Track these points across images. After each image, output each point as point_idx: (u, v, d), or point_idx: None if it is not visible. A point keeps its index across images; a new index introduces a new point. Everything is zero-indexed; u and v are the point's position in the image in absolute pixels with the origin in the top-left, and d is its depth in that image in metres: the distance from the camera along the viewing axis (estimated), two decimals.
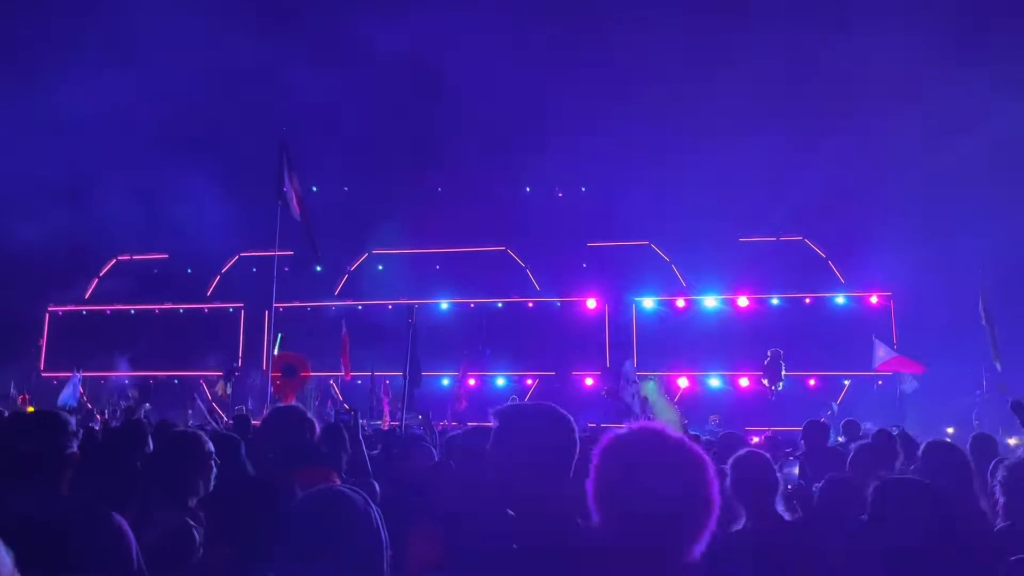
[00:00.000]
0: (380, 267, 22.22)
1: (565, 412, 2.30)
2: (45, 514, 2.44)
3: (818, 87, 17.65)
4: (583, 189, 21.40)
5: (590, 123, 18.78)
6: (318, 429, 3.58)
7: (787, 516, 3.60)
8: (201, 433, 3.55)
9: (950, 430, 15.75)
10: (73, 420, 2.90)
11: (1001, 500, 3.42)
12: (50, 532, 2.37)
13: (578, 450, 2.29)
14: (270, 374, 10.62)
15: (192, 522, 3.06)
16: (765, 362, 16.55)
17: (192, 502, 3.19)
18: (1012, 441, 14.36)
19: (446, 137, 19.41)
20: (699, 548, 1.86)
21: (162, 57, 17.65)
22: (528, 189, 21.64)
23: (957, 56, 16.27)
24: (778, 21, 17.38)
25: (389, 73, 18.35)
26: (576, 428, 2.32)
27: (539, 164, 19.80)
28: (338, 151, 19.32)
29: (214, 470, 3.32)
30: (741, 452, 3.80)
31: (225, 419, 14.85)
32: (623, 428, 2.08)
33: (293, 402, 8.61)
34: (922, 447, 4.14)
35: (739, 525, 3.57)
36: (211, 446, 3.39)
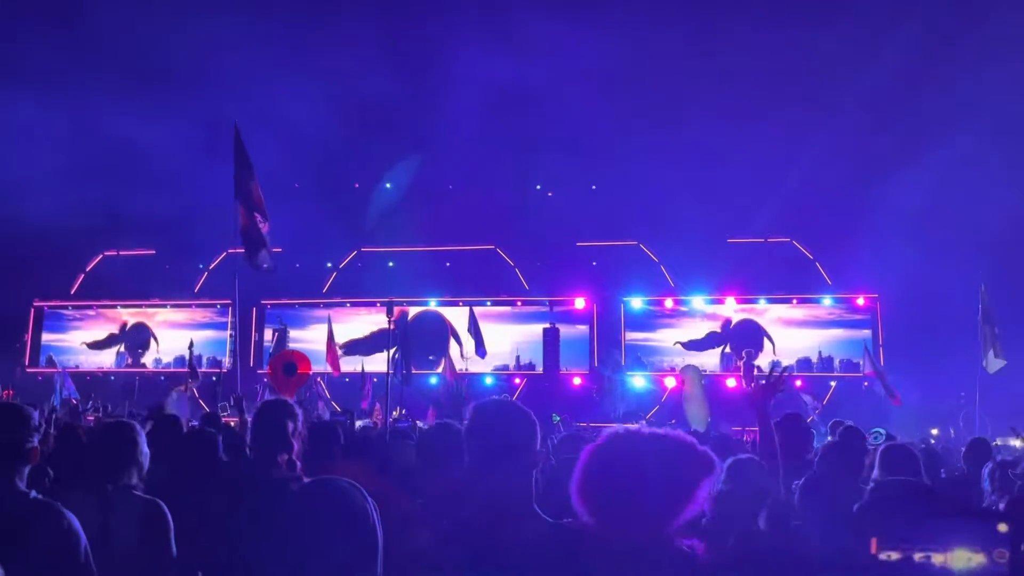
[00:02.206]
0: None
1: (524, 407, 2.44)
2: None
3: (807, 88, 17.74)
4: (593, 187, 21.37)
5: (580, 123, 18.82)
6: (300, 421, 3.64)
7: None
8: (134, 423, 3.62)
9: (934, 431, 15.88)
10: (36, 414, 2.89)
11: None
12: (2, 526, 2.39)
13: (541, 438, 2.41)
14: (269, 371, 10.55)
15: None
16: (740, 362, 16.80)
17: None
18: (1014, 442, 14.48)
19: (440, 134, 19.38)
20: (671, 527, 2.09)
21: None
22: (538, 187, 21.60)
23: (946, 56, 16.40)
24: (764, 21, 17.45)
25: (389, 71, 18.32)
26: (536, 420, 2.41)
27: (530, 163, 19.82)
28: (330, 145, 19.28)
29: (144, 459, 3.42)
30: (741, 458, 3.75)
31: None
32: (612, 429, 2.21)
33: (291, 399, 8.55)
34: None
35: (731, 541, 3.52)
36: (143, 437, 3.47)
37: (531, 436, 2.34)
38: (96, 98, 17.28)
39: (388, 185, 21.43)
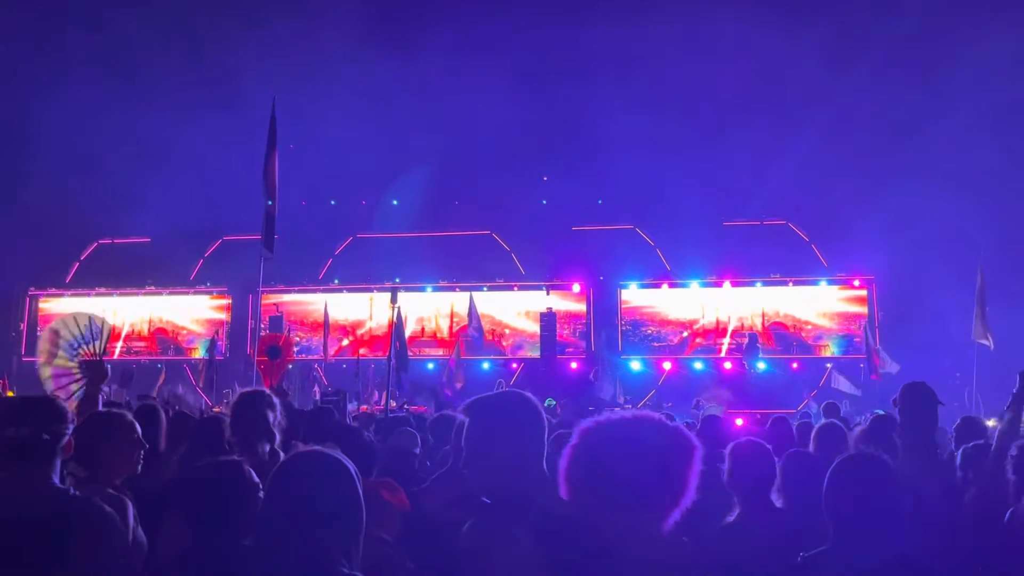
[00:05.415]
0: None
1: (532, 397, 2.30)
2: (40, 503, 2.44)
3: (802, 71, 17.67)
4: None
5: (575, 108, 18.75)
6: (279, 412, 3.66)
7: (779, 504, 3.52)
8: (126, 413, 3.53)
9: None
10: (68, 407, 2.85)
11: (1012, 479, 3.45)
12: (43, 522, 2.37)
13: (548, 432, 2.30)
14: (255, 358, 10.52)
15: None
16: (744, 344, 17.01)
17: (117, 481, 3.18)
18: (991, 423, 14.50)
19: (433, 122, 19.28)
20: (666, 524, 2.01)
21: None
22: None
23: (940, 40, 16.35)
24: (757, 6, 17.37)
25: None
26: (543, 410, 2.31)
27: (525, 149, 19.73)
28: (322, 134, 19.17)
29: (139, 450, 3.30)
30: (741, 440, 3.75)
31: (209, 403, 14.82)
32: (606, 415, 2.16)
33: (278, 384, 8.53)
34: None
35: (732, 516, 3.53)
36: (138, 427, 3.35)
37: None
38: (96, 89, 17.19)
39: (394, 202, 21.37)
